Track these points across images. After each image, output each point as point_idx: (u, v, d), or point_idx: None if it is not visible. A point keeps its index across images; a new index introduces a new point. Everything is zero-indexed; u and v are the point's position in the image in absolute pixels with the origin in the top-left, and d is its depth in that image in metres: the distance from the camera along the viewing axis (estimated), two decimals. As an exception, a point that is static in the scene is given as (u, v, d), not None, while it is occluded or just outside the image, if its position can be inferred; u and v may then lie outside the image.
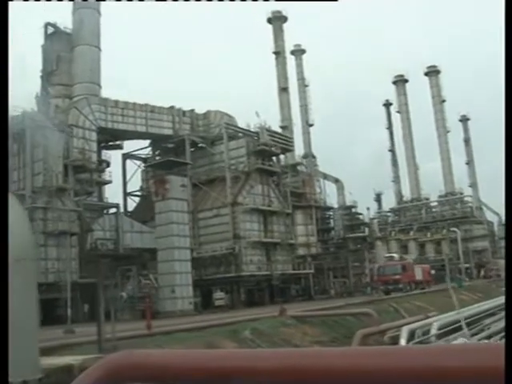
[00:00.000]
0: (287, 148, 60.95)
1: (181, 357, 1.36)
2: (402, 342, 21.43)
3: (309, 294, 60.93)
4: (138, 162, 62.42)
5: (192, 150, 56.74)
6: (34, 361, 4.14)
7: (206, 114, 60.00)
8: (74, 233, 42.67)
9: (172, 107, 57.40)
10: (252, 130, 57.70)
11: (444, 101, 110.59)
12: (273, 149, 56.50)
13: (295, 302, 53.39)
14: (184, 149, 55.23)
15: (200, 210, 53.83)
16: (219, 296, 45.27)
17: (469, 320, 25.14)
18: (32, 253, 4.42)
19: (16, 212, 4.55)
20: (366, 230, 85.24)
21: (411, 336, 22.19)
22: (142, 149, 60.77)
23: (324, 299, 57.72)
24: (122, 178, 59.55)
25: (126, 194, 60.25)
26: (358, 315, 26.27)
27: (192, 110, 59.41)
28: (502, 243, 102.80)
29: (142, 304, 42.08)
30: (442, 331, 22.74)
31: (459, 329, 23.56)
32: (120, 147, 58.25)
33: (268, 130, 58.08)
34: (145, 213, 54.83)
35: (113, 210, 53.17)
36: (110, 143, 56.34)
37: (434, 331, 22.50)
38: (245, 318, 24.41)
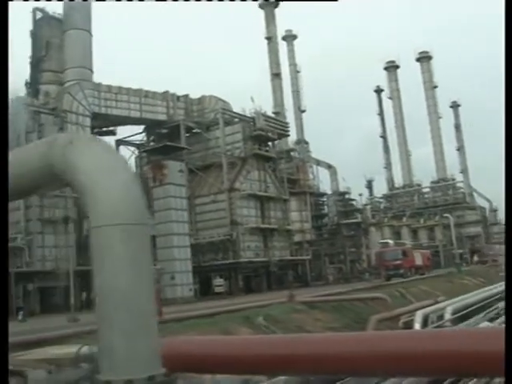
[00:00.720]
0: (283, 133, 60.33)
1: (222, 343, 0.95)
2: (417, 326, 21.08)
3: (305, 281, 60.67)
4: (132, 149, 61.50)
5: (187, 135, 55.87)
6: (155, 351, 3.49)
7: (201, 99, 59.04)
8: (71, 219, 41.81)
9: (166, 92, 56.37)
10: (247, 115, 56.90)
11: (436, 86, 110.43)
12: (269, 134, 55.77)
13: (292, 289, 53.05)
14: (178, 134, 54.27)
15: (196, 196, 53.11)
16: (219, 283, 44.81)
17: (481, 304, 24.91)
18: (145, 217, 3.76)
19: (128, 173, 3.91)
20: (359, 216, 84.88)
21: (424, 321, 21.87)
22: (135, 135, 59.72)
23: (321, 285, 57.47)
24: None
25: (119, 181, 59.21)
26: (369, 300, 25.85)
27: (186, 95, 58.45)
28: (495, 229, 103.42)
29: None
30: (455, 316, 22.45)
31: (472, 313, 23.28)
32: (113, 133, 57.25)
33: (264, 115, 57.38)
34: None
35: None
36: (104, 129, 55.31)
37: (448, 316, 22.18)
38: (254, 304, 23.89)
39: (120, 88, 53.18)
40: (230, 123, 56.19)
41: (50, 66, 55.82)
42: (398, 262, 45.75)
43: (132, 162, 60.46)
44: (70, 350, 5.81)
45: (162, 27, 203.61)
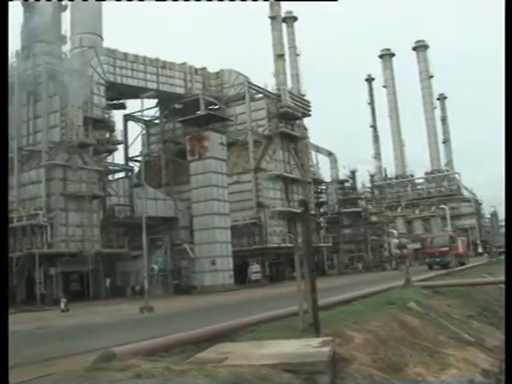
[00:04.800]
0: (306, 113, 56.55)
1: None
2: None
3: (322, 269, 57.38)
4: (138, 126, 56.79)
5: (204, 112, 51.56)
6: None
7: (219, 74, 54.71)
8: (97, 196, 37.16)
9: (184, 64, 51.96)
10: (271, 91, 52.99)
11: (432, 76, 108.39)
12: (295, 112, 51.98)
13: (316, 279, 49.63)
14: (195, 110, 49.87)
15: (218, 176, 48.92)
16: (255, 269, 40.81)
17: None
18: None
19: None
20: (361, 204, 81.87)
21: None
22: (145, 110, 54.85)
23: (338, 275, 54.36)
24: (124, 141, 53.64)
25: (127, 159, 54.57)
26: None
27: (204, 68, 54.08)
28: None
29: (175, 278, 37.42)
30: None
31: None
32: (124, 107, 52.51)
33: (289, 91, 53.53)
34: (148, 179, 49.62)
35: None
36: (115, 101, 50.47)
37: None
38: (371, 290, 20.17)
39: (136, 56, 48.66)
40: (253, 99, 52.14)
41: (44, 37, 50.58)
42: (445, 248, 42.50)
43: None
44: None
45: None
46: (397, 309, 16.05)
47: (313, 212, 55.78)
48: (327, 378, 8.22)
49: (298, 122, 55.10)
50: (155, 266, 36.20)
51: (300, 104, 55.31)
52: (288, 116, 51.82)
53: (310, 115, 57.60)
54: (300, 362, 7.98)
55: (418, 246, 65.27)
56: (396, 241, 64.96)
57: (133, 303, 27.78)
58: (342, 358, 9.93)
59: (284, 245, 48.00)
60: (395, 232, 72.22)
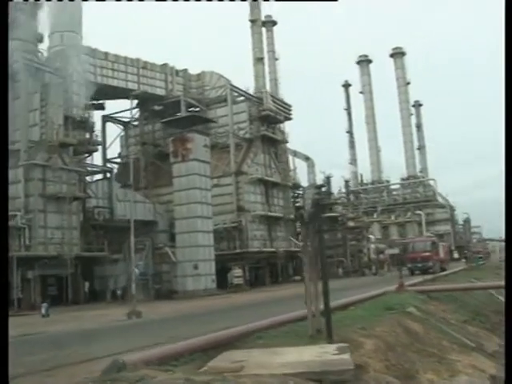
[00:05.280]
0: (287, 116, 56.32)
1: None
2: None
3: (301, 275, 56.95)
4: (116, 127, 55.88)
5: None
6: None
7: (200, 75, 54.18)
8: (78, 197, 36.23)
9: (165, 65, 51.34)
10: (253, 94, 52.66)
11: (409, 83, 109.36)
12: (277, 116, 51.74)
13: (289, 283, 49.45)
14: (175, 111, 49.21)
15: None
16: (238, 273, 40.24)
17: None
18: None
19: None
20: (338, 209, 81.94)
21: None
22: (124, 111, 54.08)
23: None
24: (102, 142, 52.59)
25: (105, 161, 53.59)
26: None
27: (185, 70, 53.51)
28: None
29: (156, 282, 36.73)
30: None
31: None
32: (102, 107, 51.49)
33: (271, 95, 53.26)
34: (127, 182, 48.82)
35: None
36: (94, 102, 49.48)
37: None
38: (365, 296, 19.81)
39: (117, 56, 47.83)
40: (234, 102, 51.72)
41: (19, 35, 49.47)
42: (427, 253, 42.46)
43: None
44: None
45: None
46: (398, 314, 15.75)
47: (292, 217, 55.51)
48: (354, 387, 7.85)
49: (278, 125, 54.91)
50: (136, 270, 35.30)
51: (281, 108, 55.10)
52: (270, 119, 51.56)
53: (291, 119, 57.44)
54: (325, 370, 7.53)
55: (396, 251, 65.51)
56: (373, 246, 65.12)
57: (115, 308, 27.11)
58: (356, 366, 9.55)
59: (265, 249, 47.64)
60: (373, 237, 72.42)
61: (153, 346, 10.84)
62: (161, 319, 20.09)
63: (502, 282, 23.59)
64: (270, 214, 49.68)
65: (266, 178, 49.97)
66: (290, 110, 57.44)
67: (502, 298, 25.57)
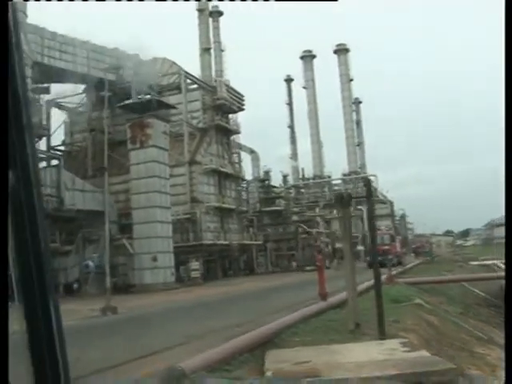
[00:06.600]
0: (241, 107, 55.17)
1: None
2: None
3: (250, 268, 56.27)
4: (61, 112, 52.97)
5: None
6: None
7: (152, 62, 52.02)
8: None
9: (116, 49, 48.87)
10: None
11: (352, 80, 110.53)
12: (231, 105, 50.54)
13: (241, 276, 48.72)
14: (124, 98, 47.06)
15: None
16: (195, 266, 38.82)
17: None
18: None
19: None
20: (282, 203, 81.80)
21: None
22: (69, 96, 51.36)
23: (269, 273, 53.66)
24: (47, 128, 49.64)
25: (49, 148, 50.63)
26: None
27: (137, 55, 51.17)
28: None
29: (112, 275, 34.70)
30: None
31: None
32: (47, 91, 48.60)
33: (226, 84, 51.98)
34: (73, 171, 46.37)
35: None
36: (38, 85, 46.59)
37: None
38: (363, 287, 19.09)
39: (65, 37, 45.06)
40: (188, 90, 50.06)
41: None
42: (387, 247, 42.37)
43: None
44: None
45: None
46: (410, 306, 15.09)
47: (244, 209, 54.70)
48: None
49: (230, 116, 53.80)
50: (90, 263, 33.42)
51: (235, 98, 53.87)
52: (224, 109, 50.30)
53: (243, 109, 56.31)
54: (425, 371, 6.55)
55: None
56: (324, 239, 65.21)
57: (75, 303, 25.29)
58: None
59: (219, 242, 46.44)
60: (323, 231, 72.63)
61: (172, 348, 9.59)
62: (141, 315, 18.52)
63: (492, 274, 23.75)
64: (223, 205, 48.43)
65: (220, 168, 48.71)
66: (242, 101, 56.30)
67: (476, 290, 25.69)
